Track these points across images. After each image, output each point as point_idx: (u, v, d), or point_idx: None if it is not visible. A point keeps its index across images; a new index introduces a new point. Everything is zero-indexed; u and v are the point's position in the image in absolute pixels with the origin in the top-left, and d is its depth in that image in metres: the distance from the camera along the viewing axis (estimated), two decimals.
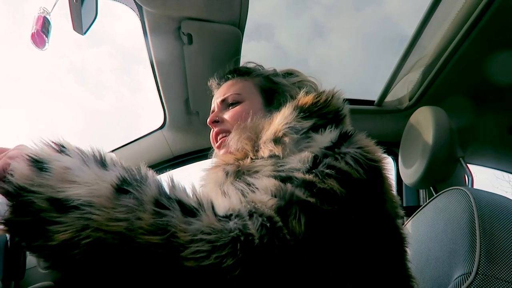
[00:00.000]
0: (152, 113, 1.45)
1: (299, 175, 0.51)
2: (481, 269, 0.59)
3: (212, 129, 0.83)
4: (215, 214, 0.45)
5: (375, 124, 1.50)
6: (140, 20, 1.03)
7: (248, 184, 0.52)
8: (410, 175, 1.16)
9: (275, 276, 0.43)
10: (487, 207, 0.68)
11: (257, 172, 0.60)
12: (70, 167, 0.44)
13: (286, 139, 0.62)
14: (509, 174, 4.87)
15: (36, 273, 1.04)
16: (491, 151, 1.63)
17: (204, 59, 1.12)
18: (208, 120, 0.83)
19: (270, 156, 0.63)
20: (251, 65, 0.90)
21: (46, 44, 0.88)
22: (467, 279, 0.59)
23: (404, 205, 1.58)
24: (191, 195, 0.47)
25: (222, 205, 0.48)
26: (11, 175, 0.44)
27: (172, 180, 0.47)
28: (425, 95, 1.36)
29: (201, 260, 0.40)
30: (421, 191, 1.60)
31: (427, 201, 0.90)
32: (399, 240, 0.61)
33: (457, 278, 0.62)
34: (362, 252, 0.53)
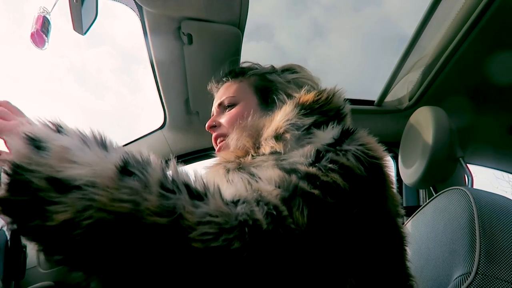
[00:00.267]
0: (152, 113, 1.45)
1: (302, 168, 0.51)
2: (481, 269, 0.59)
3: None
4: (222, 199, 0.44)
5: (375, 124, 1.50)
6: (140, 20, 1.03)
7: (252, 175, 0.52)
8: (410, 175, 1.16)
9: (278, 264, 0.43)
10: (487, 207, 0.68)
11: (257, 167, 0.60)
12: (69, 147, 0.42)
13: (287, 136, 0.62)
14: (509, 174, 4.87)
15: (36, 273, 1.04)
16: (491, 151, 1.63)
17: (204, 59, 1.12)
18: (206, 125, 0.85)
19: (272, 153, 0.63)
20: (246, 65, 0.90)
21: (46, 43, 0.88)
22: (467, 279, 0.59)
23: (404, 205, 1.59)
24: (197, 180, 0.46)
25: (228, 191, 0.48)
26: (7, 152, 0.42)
27: (175, 166, 0.46)
28: (425, 95, 1.37)
29: (209, 242, 0.39)
30: (421, 191, 1.60)
31: (427, 201, 0.90)
32: (399, 239, 0.61)
33: (457, 278, 0.62)
34: (363, 248, 0.53)
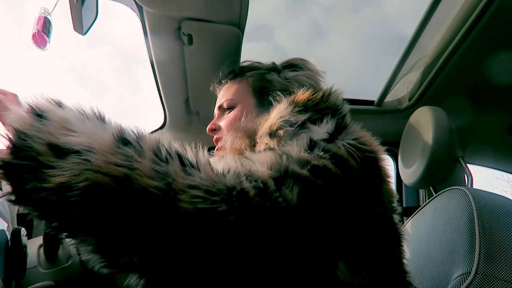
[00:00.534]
0: (152, 113, 1.45)
1: (294, 153, 0.53)
2: (480, 269, 0.59)
3: None
4: (212, 169, 0.46)
5: (375, 124, 1.50)
6: (140, 20, 1.03)
7: (246, 158, 0.53)
8: (410, 175, 1.16)
9: (265, 236, 0.44)
10: (487, 207, 0.68)
11: None
12: (68, 118, 0.45)
13: (281, 132, 0.63)
14: (509, 174, 4.87)
15: (37, 272, 1.04)
16: (491, 151, 1.63)
17: (204, 59, 1.12)
18: (207, 129, 0.86)
19: (266, 150, 0.64)
20: (246, 64, 0.90)
21: (47, 44, 0.89)
22: (467, 279, 0.59)
23: (404, 205, 1.59)
24: (188, 152, 0.48)
25: (219, 165, 0.50)
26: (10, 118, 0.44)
27: (168, 140, 0.49)
28: (425, 95, 1.37)
29: (197, 204, 0.41)
30: (420, 191, 1.60)
31: (427, 201, 0.90)
32: (395, 235, 0.61)
33: (456, 277, 0.62)
34: (354, 236, 0.53)
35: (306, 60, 0.87)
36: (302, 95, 0.69)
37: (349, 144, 0.56)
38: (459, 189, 0.77)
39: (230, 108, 0.82)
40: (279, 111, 0.67)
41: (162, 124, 1.45)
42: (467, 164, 1.11)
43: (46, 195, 0.40)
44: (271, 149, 0.58)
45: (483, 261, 0.60)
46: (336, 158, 0.53)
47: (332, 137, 0.57)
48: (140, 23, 1.04)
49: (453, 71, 1.21)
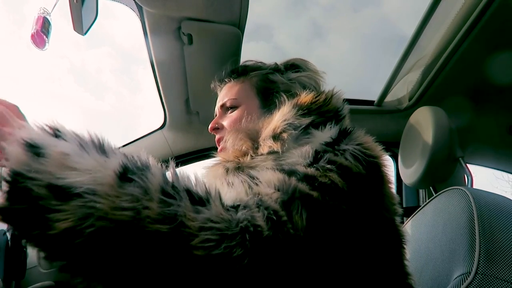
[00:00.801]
0: (152, 113, 1.45)
1: (301, 168, 0.52)
2: (480, 269, 0.59)
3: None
4: (223, 204, 0.44)
5: (375, 124, 1.50)
6: (140, 20, 1.03)
7: (252, 178, 0.52)
8: (410, 175, 1.16)
9: (279, 269, 0.43)
10: (487, 207, 0.68)
11: (255, 167, 0.61)
12: (68, 152, 0.42)
13: (285, 135, 0.63)
14: (509, 174, 4.87)
15: (37, 273, 1.04)
16: (491, 151, 1.63)
17: (204, 59, 1.12)
18: (209, 127, 0.85)
19: (269, 153, 0.64)
20: (249, 64, 0.89)
21: (46, 44, 0.88)
22: (467, 279, 0.59)
23: (404, 205, 1.59)
24: (197, 184, 0.46)
25: (228, 195, 0.48)
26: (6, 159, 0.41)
27: (175, 170, 0.46)
28: (425, 95, 1.37)
29: (211, 249, 0.39)
30: (420, 191, 1.60)
31: (427, 201, 0.90)
32: (397, 237, 0.62)
33: (456, 277, 0.62)
34: (361, 247, 0.53)
35: (306, 60, 0.87)
36: (305, 97, 0.69)
37: (354, 149, 0.56)
38: (459, 189, 0.77)
39: (233, 107, 0.82)
40: (283, 114, 0.67)
41: (162, 124, 1.45)
42: (467, 164, 1.11)
43: (52, 241, 0.39)
44: (275, 160, 0.58)
45: (483, 261, 0.60)
46: (342, 168, 0.52)
47: (336, 143, 0.57)
48: (140, 23, 1.04)
49: (453, 71, 1.21)
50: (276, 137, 0.64)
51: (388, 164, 0.63)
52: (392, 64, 1.29)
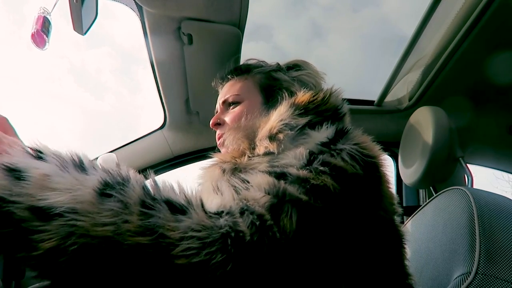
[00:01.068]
0: (152, 114, 1.45)
1: (293, 171, 0.51)
2: (480, 269, 0.59)
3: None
4: (205, 212, 0.44)
5: (375, 124, 1.50)
6: (140, 20, 1.03)
7: (243, 181, 0.51)
8: (410, 175, 1.16)
9: (266, 273, 0.43)
10: (487, 207, 0.68)
11: (252, 169, 0.60)
12: (48, 173, 0.42)
13: (281, 136, 0.62)
14: (509, 174, 4.87)
15: None
16: (491, 151, 1.63)
17: (204, 59, 1.12)
18: (210, 122, 0.84)
19: (266, 153, 0.63)
20: (252, 62, 0.89)
21: (47, 44, 0.88)
22: (467, 279, 0.59)
23: (404, 205, 1.59)
24: (179, 193, 0.46)
25: (214, 202, 0.48)
26: None
27: (155, 181, 0.46)
28: (425, 95, 1.37)
29: (192, 257, 0.39)
30: (421, 191, 1.60)
31: (427, 201, 0.90)
32: (397, 237, 0.61)
33: (456, 277, 0.62)
34: (357, 249, 0.53)
35: (307, 61, 0.87)
36: (302, 96, 0.68)
37: (351, 149, 0.55)
38: (459, 189, 0.77)
39: (236, 103, 0.81)
40: (280, 114, 0.66)
41: (162, 124, 1.45)
42: (467, 164, 1.11)
43: (37, 261, 0.39)
44: (270, 161, 0.57)
45: (483, 261, 0.60)
46: (336, 170, 0.52)
47: (332, 143, 0.57)
48: (140, 23, 1.04)
49: (453, 71, 1.22)
50: (272, 137, 0.63)
51: (387, 163, 0.62)
52: (392, 64, 1.29)
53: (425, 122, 1.10)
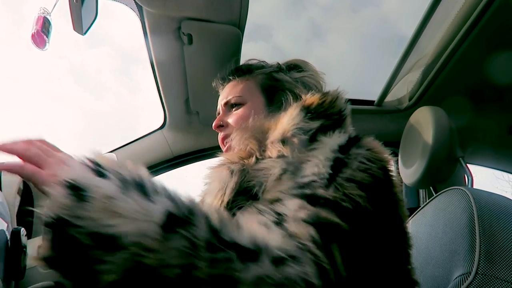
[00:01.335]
0: (152, 114, 1.45)
1: (321, 192, 0.50)
2: (480, 269, 0.59)
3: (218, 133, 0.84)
4: (273, 257, 0.41)
5: (375, 124, 1.50)
6: (140, 20, 1.03)
7: (278, 213, 0.48)
8: (410, 175, 1.16)
9: None
10: (487, 207, 0.68)
11: (263, 171, 0.60)
12: (111, 195, 0.39)
13: (295, 140, 0.62)
14: (509, 174, 4.87)
15: (36, 273, 1.04)
16: (491, 151, 1.63)
17: (204, 59, 1.12)
18: (213, 124, 0.83)
19: (279, 157, 0.63)
20: (253, 63, 0.88)
21: (47, 44, 0.88)
22: (467, 279, 0.59)
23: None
24: (244, 233, 0.43)
25: (267, 238, 0.44)
26: (49, 202, 0.39)
27: (219, 213, 0.43)
28: (425, 95, 1.37)
29: None
30: (421, 191, 1.60)
31: (427, 201, 0.90)
32: (406, 243, 0.61)
33: (457, 277, 0.62)
34: (378, 258, 0.53)
35: (306, 61, 0.86)
36: (310, 98, 0.68)
37: (366, 154, 0.56)
38: (459, 189, 0.77)
39: (238, 104, 0.80)
40: (292, 117, 0.66)
41: (162, 124, 1.45)
42: (467, 164, 1.11)
43: None
44: (291, 174, 0.56)
45: (483, 261, 0.60)
46: (359, 183, 0.52)
47: (345, 149, 0.57)
48: (140, 23, 1.04)
49: (453, 71, 1.21)
50: (285, 141, 0.63)
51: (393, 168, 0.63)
52: (392, 64, 1.29)
53: (425, 122, 1.10)
